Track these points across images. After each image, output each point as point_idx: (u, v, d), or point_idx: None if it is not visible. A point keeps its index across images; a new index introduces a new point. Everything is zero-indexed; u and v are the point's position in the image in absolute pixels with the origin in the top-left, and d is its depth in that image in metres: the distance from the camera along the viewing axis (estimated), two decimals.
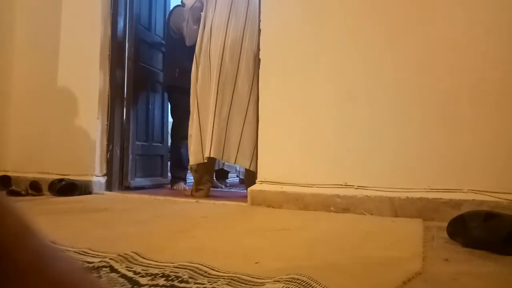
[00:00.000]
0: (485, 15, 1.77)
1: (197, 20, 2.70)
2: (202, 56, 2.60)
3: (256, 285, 0.79)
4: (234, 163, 2.59)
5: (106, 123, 2.87)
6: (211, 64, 2.55)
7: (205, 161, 2.55)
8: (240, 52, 2.52)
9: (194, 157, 2.59)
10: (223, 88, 2.51)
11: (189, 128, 2.69)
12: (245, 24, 2.57)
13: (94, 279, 0.49)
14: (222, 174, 3.62)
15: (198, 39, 2.65)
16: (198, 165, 2.61)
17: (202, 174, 2.63)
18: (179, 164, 3.23)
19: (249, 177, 2.66)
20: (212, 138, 2.48)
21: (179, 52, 3.14)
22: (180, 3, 3.16)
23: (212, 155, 2.48)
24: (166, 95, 3.42)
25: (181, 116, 3.10)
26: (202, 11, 2.66)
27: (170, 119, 3.46)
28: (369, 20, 1.99)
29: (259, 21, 2.30)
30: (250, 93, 2.51)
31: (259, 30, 2.28)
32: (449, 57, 1.82)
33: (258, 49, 2.28)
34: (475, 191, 1.70)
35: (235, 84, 2.52)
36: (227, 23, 2.54)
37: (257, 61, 2.36)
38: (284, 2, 2.21)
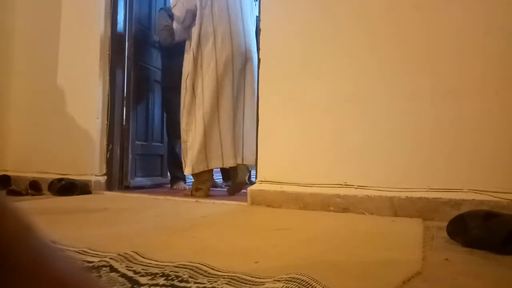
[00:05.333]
0: (485, 15, 1.77)
1: (188, 27, 2.67)
2: (206, 68, 2.56)
3: (256, 285, 0.79)
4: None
5: (106, 122, 2.87)
6: (217, 77, 2.55)
7: (226, 166, 2.64)
8: (246, 62, 2.61)
9: (196, 166, 2.56)
10: (237, 96, 2.60)
11: (183, 133, 2.66)
12: (244, 33, 2.64)
13: (94, 278, 0.49)
14: (226, 175, 3.62)
15: (195, 49, 2.58)
16: None
17: (201, 174, 2.63)
18: (178, 163, 3.23)
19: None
20: (234, 147, 2.58)
21: (162, 53, 3.27)
22: (163, 7, 3.25)
23: (235, 163, 2.60)
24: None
25: (174, 115, 3.13)
26: (194, 14, 2.62)
27: None
28: (370, 21, 1.99)
29: (259, 20, 2.30)
30: (257, 99, 2.60)
31: (259, 30, 2.28)
32: (450, 57, 1.82)
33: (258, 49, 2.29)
34: (475, 190, 1.70)
35: (244, 93, 2.63)
36: (230, 33, 2.57)
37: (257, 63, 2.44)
38: (284, 2, 2.21)
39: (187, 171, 2.63)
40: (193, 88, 2.61)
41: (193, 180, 2.72)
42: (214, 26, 2.57)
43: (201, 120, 2.56)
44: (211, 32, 2.57)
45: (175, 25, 2.73)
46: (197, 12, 2.58)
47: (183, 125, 2.66)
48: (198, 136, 2.57)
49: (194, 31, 2.60)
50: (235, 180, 2.71)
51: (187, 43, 2.68)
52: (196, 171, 2.57)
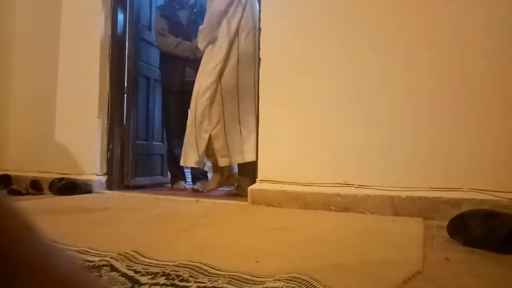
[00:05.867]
0: (485, 15, 1.77)
1: (215, 29, 2.62)
2: (245, 59, 2.57)
3: (257, 284, 0.79)
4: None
5: (106, 122, 2.87)
6: (238, 75, 2.56)
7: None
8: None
9: (240, 157, 2.57)
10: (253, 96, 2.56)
11: (208, 126, 2.58)
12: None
13: (94, 278, 0.49)
14: None
15: (229, 41, 2.55)
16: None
17: (228, 167, 2.65)
18: (177, 163, 3.23)
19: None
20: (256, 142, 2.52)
21: (160, 54, 3.26)
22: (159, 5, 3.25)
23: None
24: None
25: (171, 116, 3.14)
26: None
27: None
28: (369, 21, 1.99)
29: (259, 20, 2.29)
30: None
31: (259, 29, 2.28)
32: (450, 57, 1.82)
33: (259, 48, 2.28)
34: (476, 190, 1.70)
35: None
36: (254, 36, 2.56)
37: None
38: (284, 2, 2.21)
39: (232, 160, 2.58)
40: (221, 77, 2.57)
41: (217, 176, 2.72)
42: (255, 21, 2.57)
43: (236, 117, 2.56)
44: (252, 27, 2.57)
45: (203, 27, 2.64)
46: (236, 2, 2.56)
47: (204, 113, 2.58)
48: (233, 126, 2.57)
49: (232, 21, 2.55)
50: (249, 178, 2.65)
51: (223, 32, 2.58)
52: (240, 161, 2.58)
